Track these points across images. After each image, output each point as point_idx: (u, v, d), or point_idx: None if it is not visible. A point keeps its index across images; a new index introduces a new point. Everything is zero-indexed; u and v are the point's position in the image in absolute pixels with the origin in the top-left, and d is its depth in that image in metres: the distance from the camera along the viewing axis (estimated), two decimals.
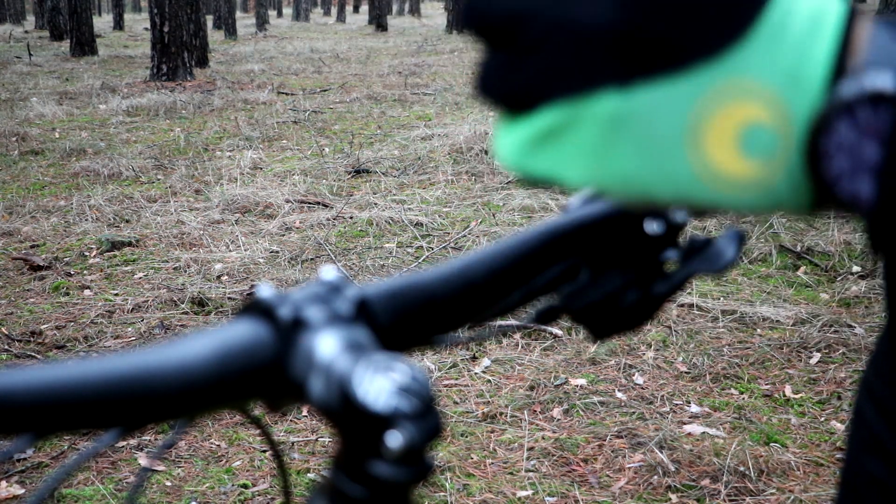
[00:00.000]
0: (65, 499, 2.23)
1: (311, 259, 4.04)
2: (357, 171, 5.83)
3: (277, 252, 4.13)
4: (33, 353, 3.07)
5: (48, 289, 3.74)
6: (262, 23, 25.68)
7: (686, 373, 2.84)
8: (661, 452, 2.35)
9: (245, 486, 2.28)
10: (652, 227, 0.49)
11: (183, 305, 3.46)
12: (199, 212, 4.91)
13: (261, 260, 4.04)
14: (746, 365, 2.88)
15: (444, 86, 10.38)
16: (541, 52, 0.35)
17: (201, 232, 4.47)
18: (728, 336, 3.10)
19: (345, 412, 0.36)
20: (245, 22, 31.28)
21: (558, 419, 2.58)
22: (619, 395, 2.71)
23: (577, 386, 2.76)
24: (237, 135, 7.27)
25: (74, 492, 2.26)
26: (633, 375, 2.83)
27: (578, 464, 2.35)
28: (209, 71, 12.65)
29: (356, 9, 48.81)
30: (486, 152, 6.07)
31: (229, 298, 3.53)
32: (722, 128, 0.35)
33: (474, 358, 2.97)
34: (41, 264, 3.99)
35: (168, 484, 2.30)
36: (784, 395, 2.68)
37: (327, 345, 0.38)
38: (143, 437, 2.48)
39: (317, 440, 2.49)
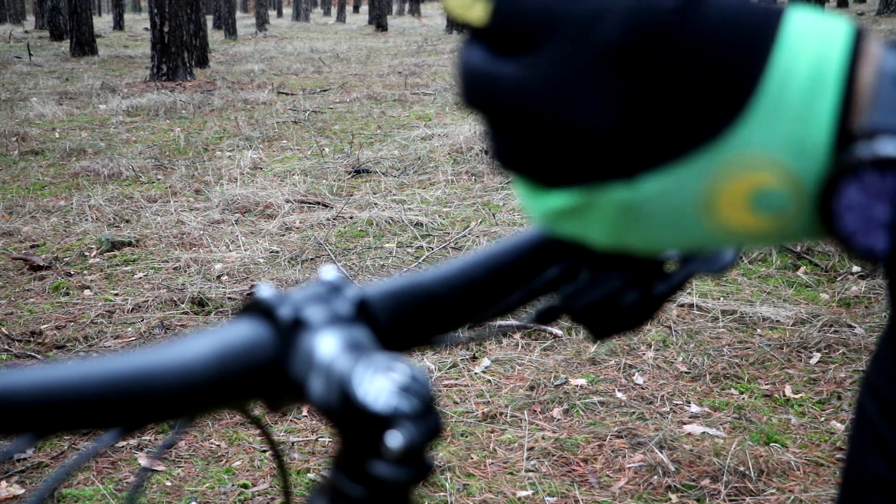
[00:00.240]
0: (65, 499, 2.24)
1: (311, 259, 4.04)
2: (357, 171, 5.83)
3: (277, 252, 4.13)
4: (33, 353, 3.07)
5: (48, 289, 3.74)
6: (262, 23, 25.68)
7: (686, 373, 2.84)
8: (661, 452, 2.35)
9: (245, 486, 2.28)
10: None
11: (183, 305, 3.46)
12: (199, 212, 4.91)
13: (261, 260, 4.04)
14: (746, 365, 2.88)
15: (444, 86, 10.38)
16: (543, 148, 0.36)
17: (201, 232, 4.47)
18: (728, 336, 3.10)
19: (345, 412, 0.36)
20: (245, 22, 31.29)
21: (558, 419, 2.58)
22: (619, 395, 2.71)
23: (577, 386, 2.76)
24: (237, 135, 7.27)
25: (74, 492, 2.26)
26: (633, 375, 2.83)
27: (578, 464, 2.35)
28: (209, 71, 12.66)
29: (356, 9, 48.84)
30: (486, 152, 6.05)
31: (229, 298, 3.53)
32: (733, 194, 0.35)
33: (474, 358, 2.97)
34: (41, 264, 3.99)
35: (168, 484, 2.30)
36: (784, 395, 2.68)
37: (327, 345, 0.38)
38: (143, 437, 2.48)
39: (317, 440, 2.49)
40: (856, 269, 3.68)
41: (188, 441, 2.49)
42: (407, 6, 43.13)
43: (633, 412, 2.60)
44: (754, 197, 0.35)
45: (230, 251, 4.18)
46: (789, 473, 2.26)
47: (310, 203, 5.06)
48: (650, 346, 3.02)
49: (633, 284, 0.48)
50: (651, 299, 0.49)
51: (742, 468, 2.27)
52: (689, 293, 3.40)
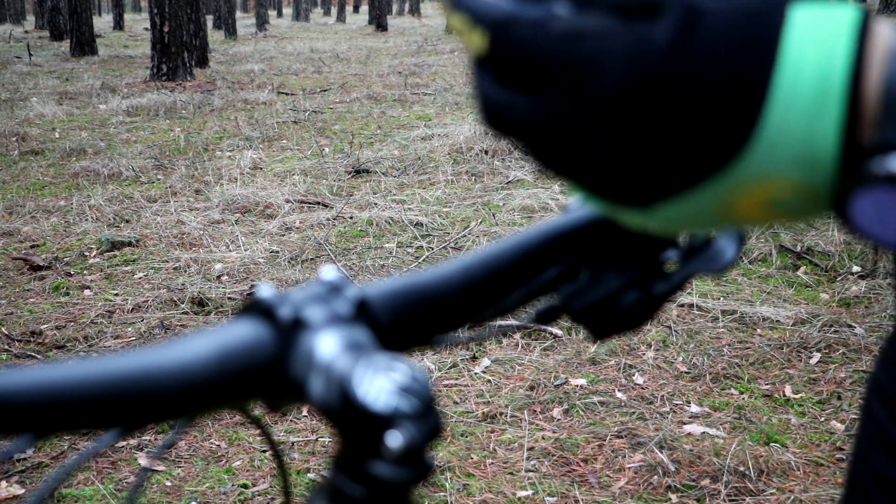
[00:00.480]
0: (65, 499, 2.24)
1: (311, 259, 4.04)
2: (357, 171, 5.83)
3: (277, 252, 4.13)
4: (33, 353, 3.07)
5: (48, 289, 3.74)
6: (262, 23, 25.68)
7: (686, 373, 2.84)
8: (661, 452, 2.35)
9: (245, 486, 2.28)
10: None
11: (183, 305, 3.46)
12: (199, 212, 4.91)
13: (261, 260, 4.04)
14: (746, 365, 2.88)
15: (444, 86, 10.39)
16: (564, 172, 0.38)
17: (201, 232, 4.47)
18: (728, 336, 3.10)
19: (345, 412, 0.36)
20: (245, 22, 31.29)
21: (558, 419, 2.58)
22: (619, 395, 2.71)
23: (577, 386, 2.76)
24: (237, 135, 7.27)
25: (74, 492, 2.26)
26: (633, 375, 2.83)
27: (578, 464, 2.35)
28: (209, 71, 12.66)
29: (356, 9, 48.84)
30: (486, 152, 6.07)
31: (229, 298, 3.53)
32: (749, 203, 0.36)
33: (474, 358, 2.97)
34: (41, 264, 3.99)
35: (168, 484, 2.30)
36: (784, 395, 2.68)
37: (327, 345, 0.38)
38: (143, 437, 2.48)
39: (317, 440, 2.49)
40: (856, 269, 3.68)
41: (188, 441, 2.49)
42: (407, 6, 43.14)
43: (633, 412, 2.60)
44: (770, 203, 0.36)
45: (230, 251, 4.18)
46: (789, 473, 2.26)
47: (310, 203, 5.06)
48: (650, 346, 3.02)
49: (633, 284, 0.48)
50: (651, 299, 0.49)
51: (742, 468, 2.27)
52: (689, 293, 3.40)
